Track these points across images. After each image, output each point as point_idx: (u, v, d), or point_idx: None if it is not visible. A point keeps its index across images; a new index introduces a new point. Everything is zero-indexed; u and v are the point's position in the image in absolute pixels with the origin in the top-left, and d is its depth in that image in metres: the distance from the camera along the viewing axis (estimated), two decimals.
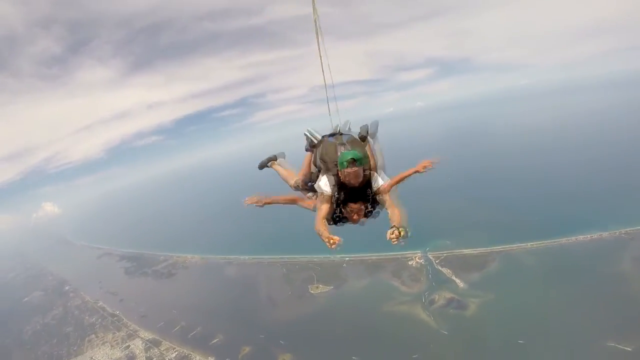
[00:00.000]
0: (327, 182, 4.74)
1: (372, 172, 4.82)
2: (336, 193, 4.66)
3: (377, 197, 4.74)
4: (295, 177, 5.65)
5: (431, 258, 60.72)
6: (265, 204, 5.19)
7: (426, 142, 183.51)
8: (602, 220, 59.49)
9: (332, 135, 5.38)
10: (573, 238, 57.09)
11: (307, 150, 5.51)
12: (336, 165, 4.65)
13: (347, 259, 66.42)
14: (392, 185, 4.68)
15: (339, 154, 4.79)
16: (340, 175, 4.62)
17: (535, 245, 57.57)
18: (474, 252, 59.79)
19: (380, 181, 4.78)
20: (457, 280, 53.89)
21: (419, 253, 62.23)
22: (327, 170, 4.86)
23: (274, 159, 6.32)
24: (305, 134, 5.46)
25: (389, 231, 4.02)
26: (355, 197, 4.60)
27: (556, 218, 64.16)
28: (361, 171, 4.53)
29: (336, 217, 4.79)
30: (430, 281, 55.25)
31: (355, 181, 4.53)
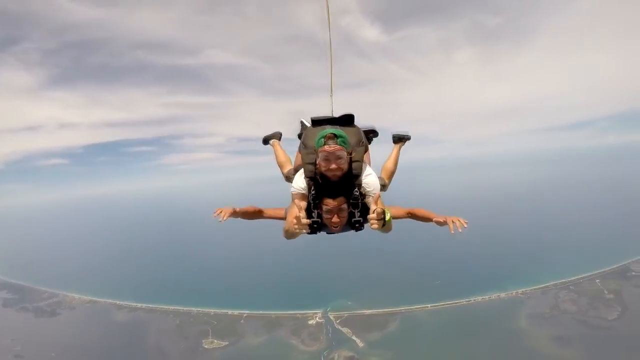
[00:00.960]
0: (302, 177, 3.82)
1: (361, 162, 3.82)
2: (312, 188, 3.69)
3: (366, 200, 3.72)
4: (290, 166, 4.93)
5: (332, 318, 59.60)
6: (231, 215, 3.71)
7: None
8: (500, 281, 64.20)
9: (323, 121, 4.38)
10: (472, 299, 60.05)
11: (298, 137, 4.90)
12: (315, 151, 3.69)
13: (245, 314, 63.08)
14: (408, 213, 3.76)
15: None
16: (317, 160, 3.63)
17: (435, 307, 59.16)
18: (375, 312, 59.68)
19: (373, 179, 3.81)
20: (357, 340, 52.34)
21: (319, 312, 61.13)
22: (306, 163, 3.86)
23: (278, 136, 5.74)
24: (302, 121, 5.10)
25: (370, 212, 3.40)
26: (335, 190, 3.54)
27: (457, 280, 67.80)
28: (344, 154, 3.56)
29: (313, 224, 3.66)
30: (330, 340, 53.44)
31: (335, 165, 3.52)
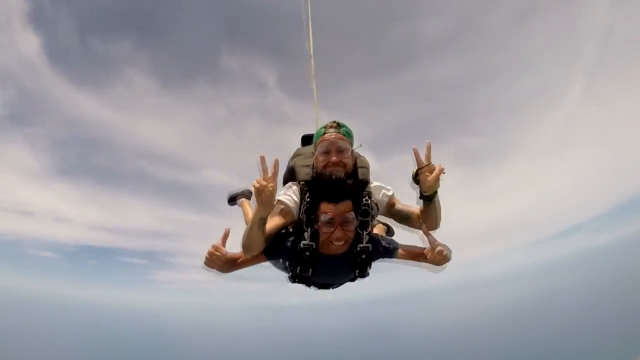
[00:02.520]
0: (290, 188, 2.67)
1: (368, 170, 2.86)
2: (306, 196, 2.49)
3: (374, 205, 2.63)
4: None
5: None
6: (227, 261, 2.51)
7: (327, 337, 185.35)
8: None
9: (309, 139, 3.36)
10: None
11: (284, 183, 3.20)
12: (312, 154, 2.81)
13: None
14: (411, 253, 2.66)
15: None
16: (315, 155, 2.75)
17: None
18: None
19: (382, 186, 2.78)
20: None
21: None
22: (302, 166, 2.86)
23: (248, 194, 4.12)
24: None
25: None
26: (337, 191, 2.43)
27: None
28: (348, 146, 2.67)
29: (304, 258, 2.50)
30: None
31: (336, 158, 2.61)
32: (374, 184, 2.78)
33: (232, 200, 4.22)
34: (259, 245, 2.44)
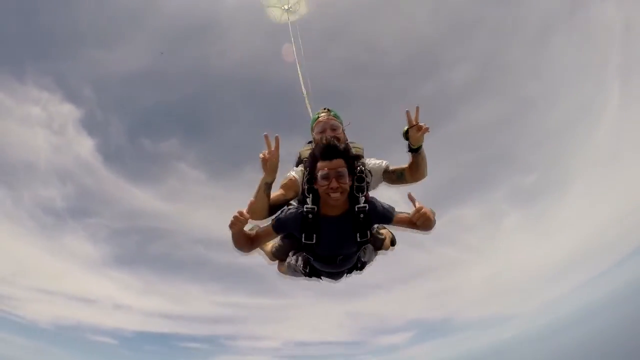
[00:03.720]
0: (296, 169, 3.17)
1: (362, 150, 3.32)
2: (306, 165, 2.89)
3: (367, 172, 3.04)
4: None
5: None
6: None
7: None
8: None
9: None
10: None
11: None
12: (309, 149, 3.15)
13: None
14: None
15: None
16: (312, 136, 3.37)
17: None
18: None
19: (375, 160, 3.25)
20: None
21: None
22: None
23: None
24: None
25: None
26: (330, 151, 2.70)
27: None
28: (339, 125, 3.24)
29: (308, 223, 2.78)
30: None
31: (330, 133, 3.17)
32: (369, 160, 3.26)
33: None
34: (263, 209, 2.84)
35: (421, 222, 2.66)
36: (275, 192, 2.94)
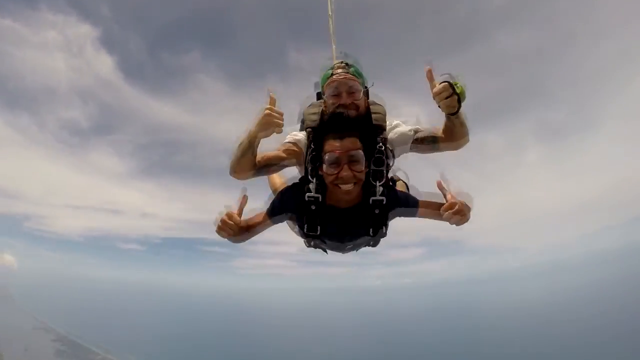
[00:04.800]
0: (298, 134, 2.58)
1: (384, 115, 2.53)
2: (312, 138, 2.34)
3: (390, 152, 2.40)
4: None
5: None
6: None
7: (405, 316, 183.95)
8: None
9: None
10: None
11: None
12: (322, 100, 2.53)
13: None
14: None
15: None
16: (324, 98, 2.48)
17: None
18: None
19: (403, 128, 2.52)
20: None
21: None
22: (310, 114, 2.58)
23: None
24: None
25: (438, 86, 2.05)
26: (344, 124, 2.17)
27: None
28: (358, 86, 2.38)
29: (310, 212, 2.30)
30: None
31: (347, 99, 2.35)
32: (394, 123, 2.54)
33: None
34: (246, 167, 2.26)
35: (454, 221, 2.10)
36: (271, 152, 2.40)
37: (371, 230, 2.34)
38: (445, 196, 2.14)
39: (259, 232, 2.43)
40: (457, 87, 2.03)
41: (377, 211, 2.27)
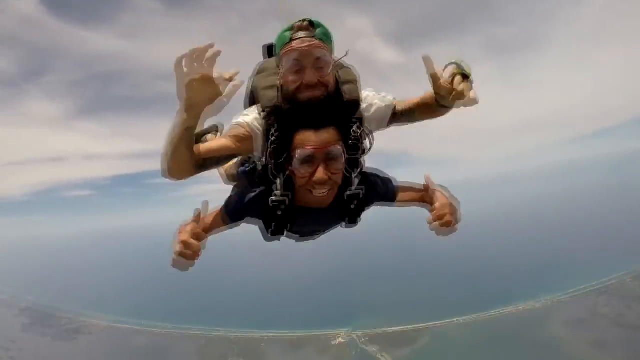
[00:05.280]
0: (255, 112, 1.91)
1: (356, 85, 1.99)
2: (273, 127, 1.81)
3: (365, 134, 1.93)
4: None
5: (356, 337, 57.33)
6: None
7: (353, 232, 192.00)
8: (532, 290, 61.48)
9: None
10: (505, 310, 57.57)
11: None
12: (277, 66, 1.86)
13: (266, 337, 61.32)
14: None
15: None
16: (281, 74, 1.81)
17: (465, 320, 56.68)
18: (403, 329, 57.13)
19: (377, 101, 2.01)
20: (386, 357, 50.26)
21: (343, 332, 58.68)
22: (264, 88, 2.00)
23: (215, 130, 2.88)
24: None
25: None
26: (317, 116, 1.72)
27: (486, 293, 65.00)
28: (327, 55, 1.75)
29: (277, 216, 1.88)
30: (356, 359, 51.89)
31: (313, 75, 1.70)
32: (365, 94, 2.01)
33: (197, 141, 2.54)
34: (183, 165, 1.70)
35: (441, 233, 1.94)
36: (220, 139, 1.93)
37: (346, 221, 2.12)
38: (433, 194, 1.99)
39: (216, 233, 1.95)
40: (467, 71, 1.78)
41: (353, 205, 1.99)
